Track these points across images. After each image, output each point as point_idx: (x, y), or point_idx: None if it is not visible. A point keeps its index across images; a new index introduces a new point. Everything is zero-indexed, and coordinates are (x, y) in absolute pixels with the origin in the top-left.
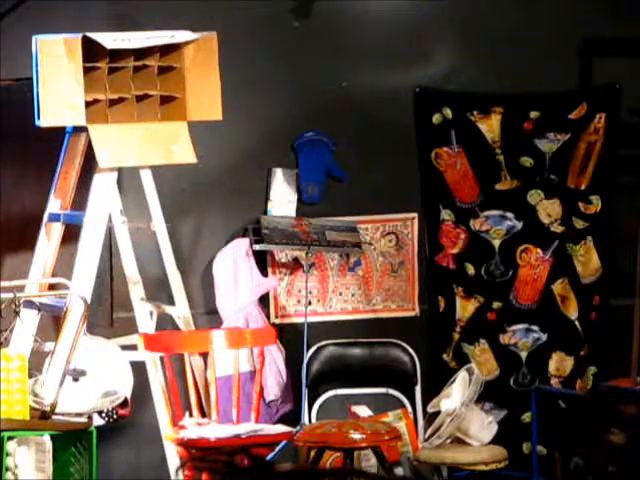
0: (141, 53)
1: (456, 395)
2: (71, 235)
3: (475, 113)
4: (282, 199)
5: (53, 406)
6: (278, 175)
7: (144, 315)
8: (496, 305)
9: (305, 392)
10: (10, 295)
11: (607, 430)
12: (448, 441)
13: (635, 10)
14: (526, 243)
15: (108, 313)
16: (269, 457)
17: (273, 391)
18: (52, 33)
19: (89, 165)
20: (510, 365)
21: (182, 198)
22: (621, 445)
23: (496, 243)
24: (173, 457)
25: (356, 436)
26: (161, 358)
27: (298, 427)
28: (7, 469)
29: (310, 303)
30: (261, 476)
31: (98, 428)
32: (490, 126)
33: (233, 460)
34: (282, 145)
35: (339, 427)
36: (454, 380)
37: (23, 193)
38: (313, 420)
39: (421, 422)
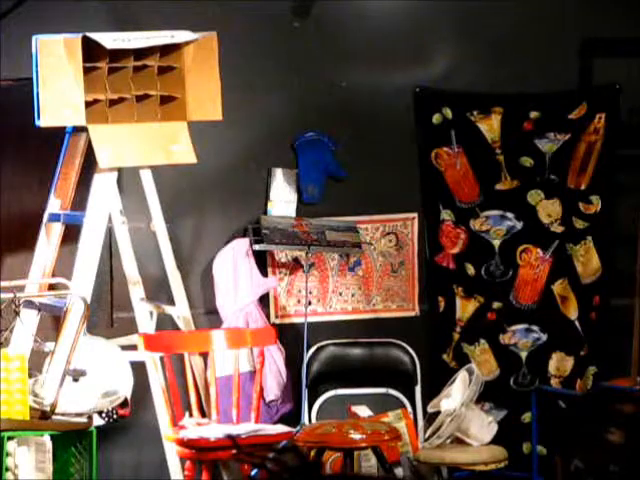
0: (141, 53)
1: (456, 395)
2: (71, 235)
3: (475, 113)
4: (282, 199)
5: (53, 406)
6: (278, 175)
7: (144, 315)
8: (496, 305)
9: (305, 392)
10: (10, 295)
11: (605, 430)
12: (448, 441)
13: (635, 10)
14: (526, 243)
15: (108, 313)
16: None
17: (273, 391)
18: (52, 33)
19: (89, 165)
20: (510, 365)
21: (182, 198)
22: (620, 444)
23: (496, 243)
24: (173, 457)
25: (356, 436)
26: (161, 358)
27: (298, 427)
28: (7, 469)
29: (310, 303)
30: (309, 476)
31: (98, 428)
32: (490, 126)
33: (282, 458)
34: (282, 145)
35: (339, 427)
36: (454, 380)
37: (23, 193)
38: (313, 420)
39: (421, 422)
